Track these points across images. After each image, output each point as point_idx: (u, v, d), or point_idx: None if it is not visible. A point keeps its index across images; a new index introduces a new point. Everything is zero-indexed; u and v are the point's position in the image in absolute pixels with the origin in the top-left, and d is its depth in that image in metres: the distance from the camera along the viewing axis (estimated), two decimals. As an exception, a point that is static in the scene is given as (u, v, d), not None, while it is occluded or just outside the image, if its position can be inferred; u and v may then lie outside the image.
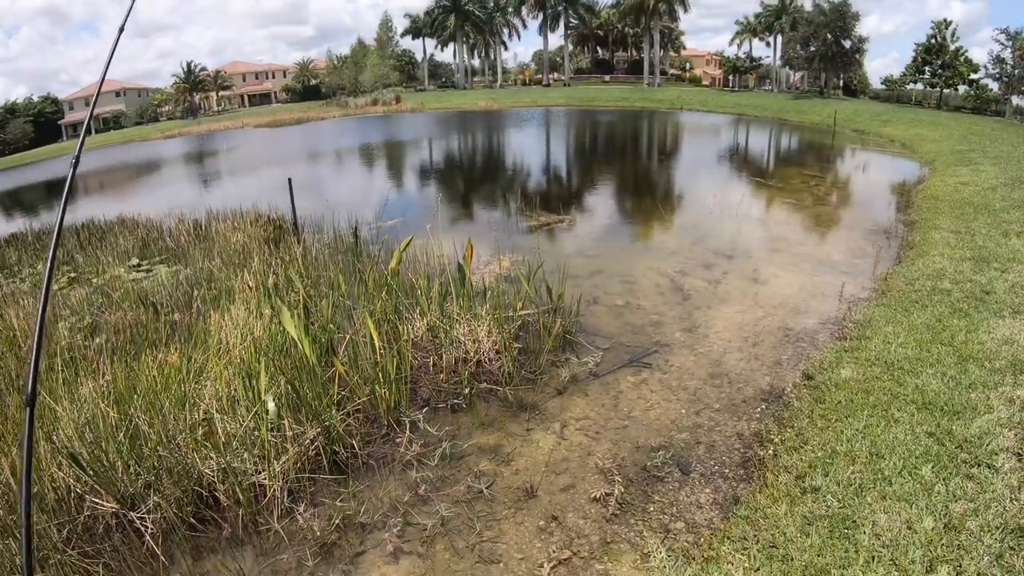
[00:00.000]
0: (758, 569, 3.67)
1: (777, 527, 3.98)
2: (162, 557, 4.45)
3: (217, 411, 5.41)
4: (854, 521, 3.88)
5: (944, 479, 4.17)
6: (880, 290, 8.41)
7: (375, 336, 6.31)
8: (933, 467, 4.28)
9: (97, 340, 7.52)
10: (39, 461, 4.82)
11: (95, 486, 4.71)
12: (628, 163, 25.83)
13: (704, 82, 77.47)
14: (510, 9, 79.79)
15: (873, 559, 3.56)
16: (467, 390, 6.48)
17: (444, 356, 6.84)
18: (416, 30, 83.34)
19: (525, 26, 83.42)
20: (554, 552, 4.27)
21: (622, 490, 4.83)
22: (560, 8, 75.88)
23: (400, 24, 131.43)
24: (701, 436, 5.57)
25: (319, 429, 5.47)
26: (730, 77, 72.91)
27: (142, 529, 4.56)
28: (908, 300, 7.63)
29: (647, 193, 18.10)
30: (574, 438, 5.68)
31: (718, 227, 12.92)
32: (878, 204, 14.40)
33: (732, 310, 8.36)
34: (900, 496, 4.03)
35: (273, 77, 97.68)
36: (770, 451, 5.05)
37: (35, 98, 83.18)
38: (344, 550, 4.47)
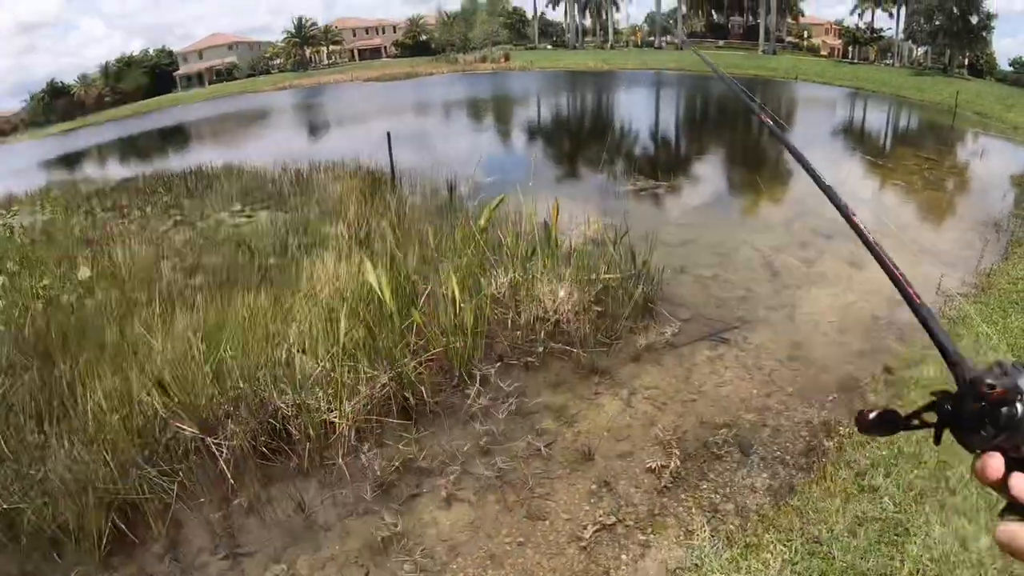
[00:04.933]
0: (796, 563, 3.63)
1: (826, 523, 3.92)
2: (232, 480, 4.79)
3: (298, 350, 5.71)
4: (906, 528, 3.77)
5: (1012, 498, 3.95)
6: (980, 287, 7.93)
7: (456, 289, 6.43)
8: (1002, 483, 4.07)
9: (196, 279, 8.01)
10: (129, 387, 5.22)
11: (178, 412, 5.08)
12: (735, 132, 24.96)
13: (822, 52, 72.86)
14: (624, -33, 77.68)
15: (918, 572, 3.45)
16: (541, 349, 6.56)
17: (523, 313, 6.94)
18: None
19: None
20: (600, 516, 4.35)
21: (679, 464, 4.83)
22: (675, -32, 73.33)
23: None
24: (768, 419, 5.46)
25: (392, 375, 5.68)
26: (850, 48, 68.60)
27: (217, 454, 4.91)
28: (1008, 300, 7.21)
29: (751, 164, 17.52)
30: (640, 406, 5.69)
31: (821, 205, 12.14)
32: (993, 195, 13.36)
33: (823, 292, 8.08)
34: (961, 509, 3.88)
35: (383, 32, 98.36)
36: (835, 443, 4.94)
37: (151, 51, 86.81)
38: (401, 490, 4.70)
